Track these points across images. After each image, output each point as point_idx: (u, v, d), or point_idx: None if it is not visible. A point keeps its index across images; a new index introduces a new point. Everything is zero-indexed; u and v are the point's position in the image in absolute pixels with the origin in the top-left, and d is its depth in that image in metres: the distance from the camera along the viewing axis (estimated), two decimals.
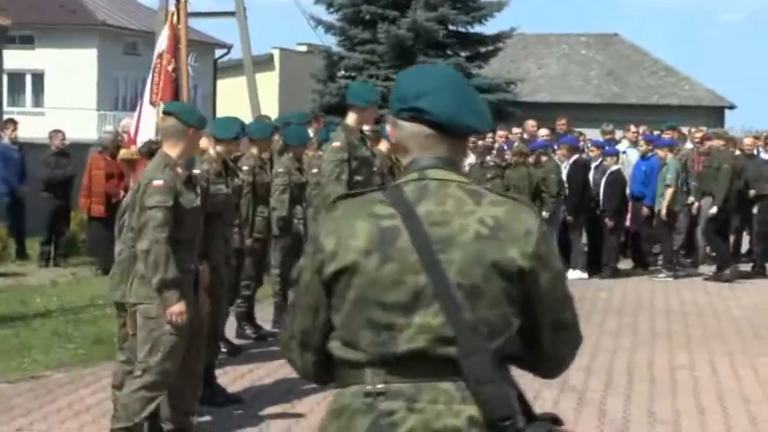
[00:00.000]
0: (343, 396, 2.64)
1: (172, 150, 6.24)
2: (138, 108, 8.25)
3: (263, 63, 36.49)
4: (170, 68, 7.93)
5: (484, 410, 2.53)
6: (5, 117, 20.17)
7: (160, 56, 8.06)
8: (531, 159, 15.26)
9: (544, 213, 15.01)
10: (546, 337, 2.70)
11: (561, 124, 17.68)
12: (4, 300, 12.05)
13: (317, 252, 2.68)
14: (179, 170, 6.21)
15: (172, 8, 8.47)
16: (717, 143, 15.42)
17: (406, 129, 2.73)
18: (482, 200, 2.65)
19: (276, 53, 40.70)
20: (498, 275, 2.58)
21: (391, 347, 2.57)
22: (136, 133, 8.11)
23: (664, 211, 15.13)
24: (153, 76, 8.10)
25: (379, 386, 2.57)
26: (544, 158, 15.33)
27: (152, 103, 8.01)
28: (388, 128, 2.85)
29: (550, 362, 2.79)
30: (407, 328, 2.57)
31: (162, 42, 8.17)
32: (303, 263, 2.75)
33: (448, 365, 2.55)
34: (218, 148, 8.04)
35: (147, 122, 8.00)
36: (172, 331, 6.03)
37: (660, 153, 15.50)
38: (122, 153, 8.37)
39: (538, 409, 7.90)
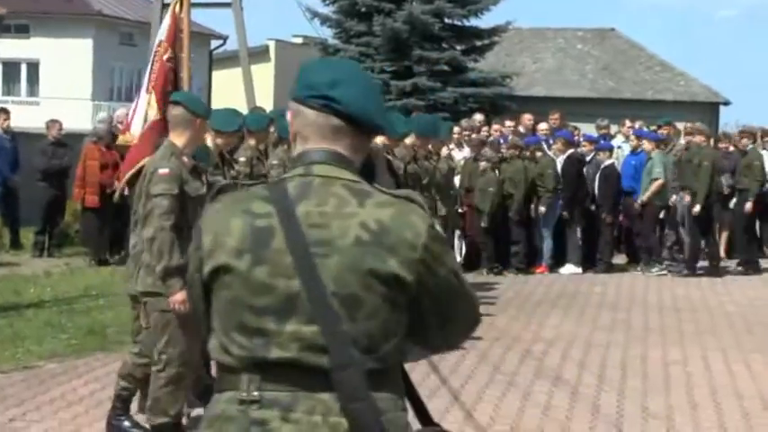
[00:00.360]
0: (218, 402, 2.53)
1: (178, 139, 6.25)
2: (137, 95, 8.24)
3: (259, 54, 36.42)
4: (165, 57, 7.91)
5: (352, 427, 2.41)
6: None
7: (159, 45, 8.05)
8: (527, 153, 15.30)
9: (541, 209, 15.04)
10: (433, 332, 2.60)
11: (554, 118, 17.70)
12: None
13: (198, 249, 2.58)
14: (185, 159, 6.22)
15: None
16: (698, 139, 15.42)
17: (309, 117, 2.58)
18: (366, 201, 2.49)
19: (272, 45, 40.64)
20: (378, 284, 2.44)
21: (263, 353, 2.46)
22: (131, 119, 8.12)
23: (642, 200, 15.17)
24: (151, 65, 8.09)
25: (254, 393, 2.46)
26: (539, 154, 15.36)
27: (147, 91, 8.00)
28: (288, 115, 2.68)
29: (440, 347, 2.74)
30: (279, 334, 2.44)
31: (162, 31, 8.15)
32: (190, 253, 2.64)
33: (321, 376, 2.42)
34: (218, 140, 8.02)
35: (140, 109, 8.00)
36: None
37: (647, 147, 15.52)
38: (120, 139, 8.36)
39: (531, 403, 7.88)
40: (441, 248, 2.53)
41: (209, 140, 8.12)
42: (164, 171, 6.06)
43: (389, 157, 10.49)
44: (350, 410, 2.40)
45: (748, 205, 15.62)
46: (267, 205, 2.51)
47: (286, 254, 2.45)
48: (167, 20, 8.16)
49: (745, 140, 16.49)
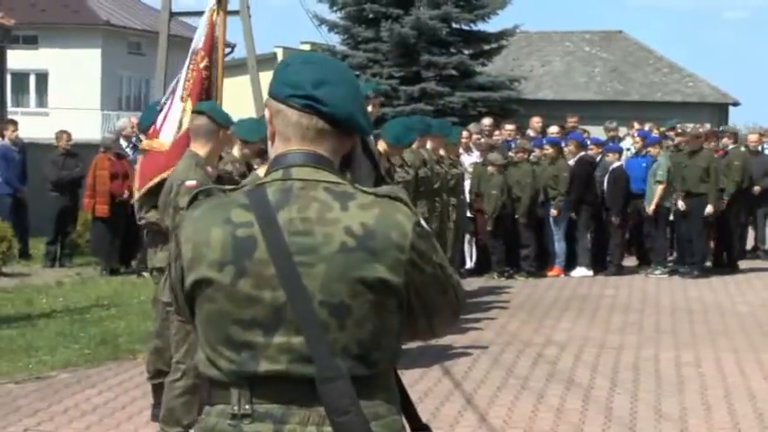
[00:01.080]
0: (209, 415, 2.47)
1: (201, 150, 6.25)
2: (168, 102, 8.11)
3: (267, 62, 36.41)
4: (202, 66, 7.87)
5: None
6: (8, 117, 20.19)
7: (195, 53, 8.00)
8: (533, 157, 15.35)
9: (553, 212, 15.03)
10: (420, 325, 2.56)
11: (573, 121, 17.68)
12: (10, 300, 12.07)
13: (178, 258, 2.50)
14: (209, 169, 6.22)
15: (212, 5, 8.38)
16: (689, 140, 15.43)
17: (291, 118, 2.49)
18: (349, 204, 2.41)
19: (279, 52, 40.68)
20: (367, 290, 2.38)
21: (252, 367, 2.40)
22: (161, 126, 8.04)
23: (653, 207, 15.14)
24: (187, 73, 8.03)
25: (245, 407, 2.40)
26: (556, 155, 15.34)
27: (182, 99, 7.93)
28: (266, 113, 2.58)
29: (426, 337, 2.69)
30: (267, 347, 2.38)
31: (198, 39, 8.10)
32: (170, 263, 2.56)
33: (314, 387, 2.36)
34: (245, 150, 8.02)
35: (173, 117, 7.89)
36: None
37: (652, 150, 15.51)
38: (145, 143, 8.20)
39: (544, 407, 7.87)
40: (427, 245, 2.47)
41: (236, 150, 8.11)
42: (191, 183, 6.01)
43: (398, 160, 10.48)
44: (337, 424, 2.35)
45: (721, 204, 15.55)
46: (247, 213, 2.43)
47: (269, 264, 2.38)
48: (203, 28, 8.09)
49: (725, 140, 16.46)
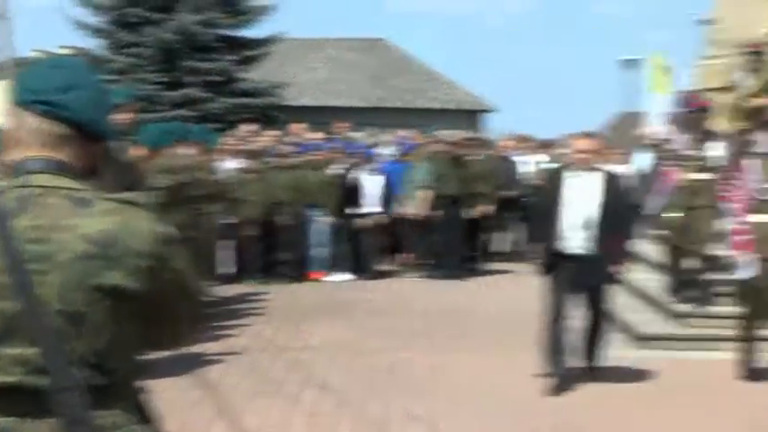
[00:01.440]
0: None
1: None
2: None
3: (24, 66, 35.34)
4: None
5: None
6: None
7: None
8: (294, 162, 15.47)
9: (322, 218, 15.18)
10: (164, 331, 2.58)
11: (342, 127, 17.88)
12: None
13: None
14: None
15: None
16: (440, 147, 15.95)
17: (32, 124, 2.46)
18: (89, 210, 2.39)
19: (38, 56, 39.45)
20: (104, 298, 2.36)
21: None
22: None
23: (412, 212, 15.53)
24: None
25: None
26: (318, 162, 15.50)
27: None
28: (8, 120, 2.54)
29: (170, 346, 2.71)
30: (0, 359, 2.34)
31: None
32: None
33: (48, 399, 2.32)
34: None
35: None
36: None
37: (412, 157, 15.92)
38: None
39: (298, 412, 7.81)
40: (169, 252, 2.47)
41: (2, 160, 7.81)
42: None
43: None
44: None
45: (479, 209, 16.09)
46: None
47: (3, 273, 2.33)
48: None
49: (474, 148, 17.01)
